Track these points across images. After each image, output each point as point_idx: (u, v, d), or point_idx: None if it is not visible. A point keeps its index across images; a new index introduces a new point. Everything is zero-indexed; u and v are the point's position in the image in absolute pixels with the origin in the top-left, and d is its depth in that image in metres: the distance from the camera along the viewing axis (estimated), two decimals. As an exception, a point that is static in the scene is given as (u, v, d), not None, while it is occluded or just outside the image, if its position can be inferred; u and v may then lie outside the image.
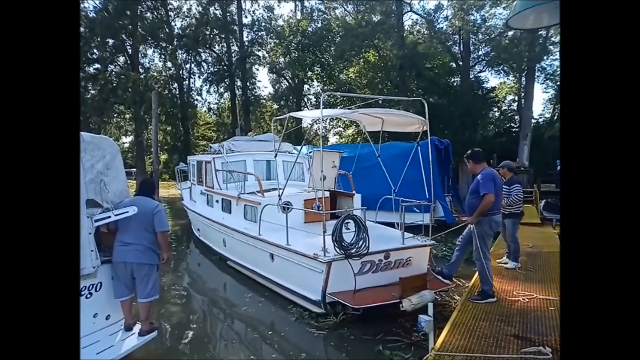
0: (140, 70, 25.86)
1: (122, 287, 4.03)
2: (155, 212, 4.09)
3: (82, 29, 23.04)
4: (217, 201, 8.40)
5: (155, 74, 27.00)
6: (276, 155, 7.32)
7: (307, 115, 7.66)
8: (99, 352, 3.65)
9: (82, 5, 22.91)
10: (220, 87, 28.37)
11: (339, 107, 22.11)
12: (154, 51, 26.92)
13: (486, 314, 4.32)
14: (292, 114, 7.29)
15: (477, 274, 5.30)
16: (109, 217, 3.81)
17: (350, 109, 7.18)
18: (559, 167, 15.63)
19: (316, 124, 21.39)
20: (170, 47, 25.19)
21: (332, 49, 23.87)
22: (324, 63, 24.49)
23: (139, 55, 26.08)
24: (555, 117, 26.95)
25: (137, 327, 4.13)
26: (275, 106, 30.55)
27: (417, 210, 6.80)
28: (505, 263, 6.11)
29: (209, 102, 30.46)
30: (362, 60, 23.55)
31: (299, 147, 8.10)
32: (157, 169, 15.11)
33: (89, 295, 3.80)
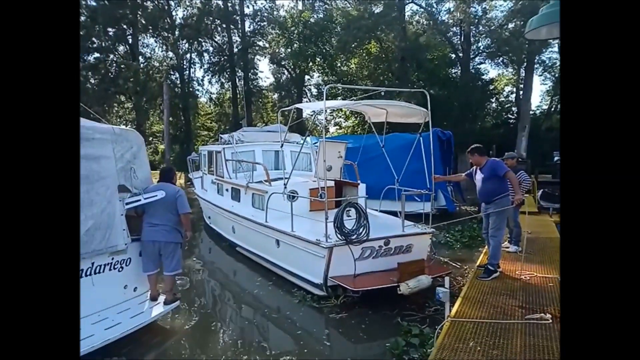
0: (141, 59, 25.91)
1: (149, 263, 4.50)
2: (177, 196, 4.53)
3: (82, 18, 23.00)
4: (227, 190, 8.67)
5: (156, 63, 27.03)
6: (282, 145, 7.59)
7: (312, 107, 7.87)
8: (132, 317, 4.15)
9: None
10: (222, 78, 28.37)
11: (339, 98, 22.27)
12: (155, 41, 26.90)
13: (492, 290, 4.77)
14: (296, 105, 7.51)
15: (482, 255, 5.65)
16: (139, 200, 4.27)
17: (352, 100, 7.40)
18: (556, 159, 15.95)
19: (317, 115, 21.64)
20: (172, 37, 25.18)
21: (333, 40, 23.92)
22: (325, 54, 24.54)
23: (140, 45, 26.14)
24: (553, 109, 27.16)
25: (161, 298, 4.61)
26: (276, 96, 30.62)
27: (419, 200, 7.10)
28: (507, 247, 6.46)
29: (210, 93, 30.49)
30: (364, 51, 23.63)
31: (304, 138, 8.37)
32: (168, 158, 15.57)
33: (120, 269, 4.28)
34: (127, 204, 4.19)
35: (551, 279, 5.09)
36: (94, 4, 22.97)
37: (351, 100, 7.79)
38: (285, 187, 6.44)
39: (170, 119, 28.74)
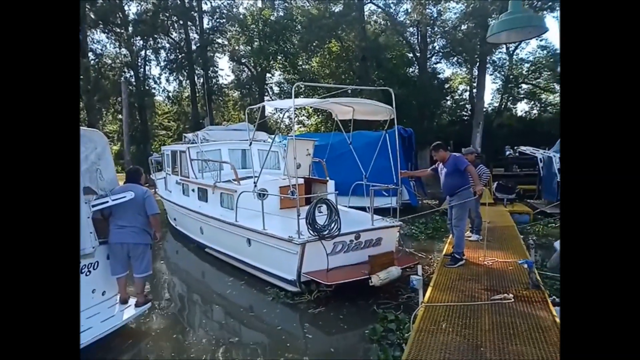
0: (91, 56, 24.51)
1: (118, 266, 4.41)
2: (145, 197, 4.45)
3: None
4: (193, 190, 8.47)
5: (109, 60, 25.72)
6: (251, 144, 7.54)
7: (280, 105, 7.87)
8: (103, 321, 4.08)
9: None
10: (180, 76, 27.52)
11: (301, 96, 22.36)
12: (107, 37, 25.58)
13: (459, 276, 5.13)
14: (265, 103, 7.50)
15: (447, 244, 5.95)
16: (107, 202, 4.14)
17: (315, 98, 7.49)
18: (507, 153, 17.02)
19: (281, 113, 21.62)
20: (125, 33, 24.06)
21: (294, 38, 23.95)
22: (287, 52, 24.51)
23: (90, 41, 24.72)
24: (503, 107, 28.83)
25: (132, 300, 4.55)
26: (236, 94, 30.17)
27: (386, 194, 7.34)
28: (469, 236, 6.86)
29: (167, 91, 29.47)
30: (325, 50, 23.86)
31: (272, 136, 8.37)
32: (128, 159, 15.02)
33: (88, 273, 4.16)
34: (93, 206, 4.02)
35: (511, 263, 5.52)
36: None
37: (314, 98, 7.94)
38: (255, 186, 6.42)
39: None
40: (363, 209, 6.76)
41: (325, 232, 5.34)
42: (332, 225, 5.42)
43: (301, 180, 7.18)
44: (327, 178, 7.67)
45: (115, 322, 4.14)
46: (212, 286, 6.43)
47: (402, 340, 3.88)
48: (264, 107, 10.22)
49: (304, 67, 25.87)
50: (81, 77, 22.22)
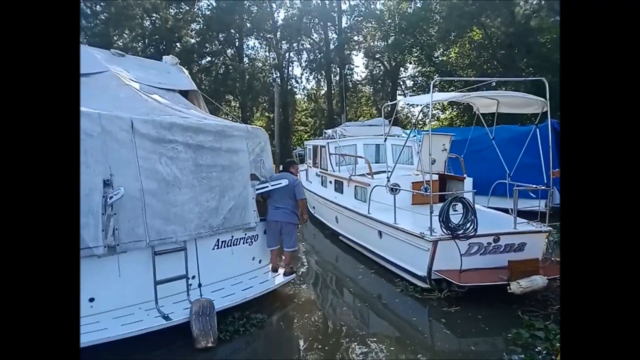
0: (246, 60, 28.18)
1: (272, 240, 5.27)
2: (295, 184, 5.24)
3: (198, 26, 25.83)
4: (330, 182, 9.17)
5: (259, 64, 29.16)
6: (386, 139, 7.72)
7: (418, 100, 7.85)
8: (261, 283, 4.97)
9: (198, 5, 25.70)
10: (318, 75, 29.43)
11: (435, 90, 21.49)
12: (259, 42, 29.03)
13: None
14: (402, 99, 7.54)
15: None
16: (267, 187, 5.00)
17: (451, 90, 7.14)
18: None
19: (413, 108, 21.31)
20: (274, 38, 26.93)
21: (432, 30, 23.09)
22: (423, 44, 23.81)
23: (245, 47, 28.48)
24: None
25: (281, 270, 5.40)
26: (367, 89, 30.71)
27: (534, 196, 6.66)
28: None
29: (306, 89, 31.87)
30: (465, 39, 22.38)
31: (407, 131, 8.41)
32: (278, 152, 17.38)
33: (250, 243, 5.11)
34: (257, 189, 4.92)
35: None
36: (208, 13, 25.77)
37: (450, 90, 7.64)
38: (388, 180, 6.59)
39: (271, 115, 30.91)
40: (505, 210, 6.30)
41: (460, 232, 5.17)
42: (468, 225, 5.22)
43: (435, 177, 7.05)
44: (464, 175, 7.36)
45: (269, 285, 5.03)
46: (344, 270, 6.91)
47: (551, 349, 3.64)
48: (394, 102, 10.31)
49: (440, 58, 24.76)
50: (237, 78, 25.87)
